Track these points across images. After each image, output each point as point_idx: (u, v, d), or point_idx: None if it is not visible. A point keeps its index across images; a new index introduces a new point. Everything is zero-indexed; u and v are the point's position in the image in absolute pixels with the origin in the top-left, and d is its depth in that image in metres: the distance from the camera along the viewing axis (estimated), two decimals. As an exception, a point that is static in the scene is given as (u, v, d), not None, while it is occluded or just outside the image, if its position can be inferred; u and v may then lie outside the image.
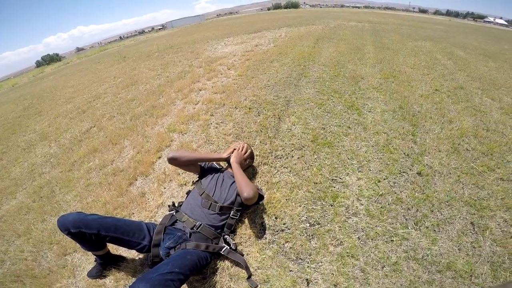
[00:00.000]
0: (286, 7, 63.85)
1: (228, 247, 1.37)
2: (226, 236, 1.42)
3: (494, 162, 1.94)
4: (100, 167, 2.56)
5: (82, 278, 1.59)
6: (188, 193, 1.67)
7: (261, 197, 1.51)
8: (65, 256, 1.79)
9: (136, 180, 2.24)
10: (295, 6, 63.50)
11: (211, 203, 1.45)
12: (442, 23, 17.68)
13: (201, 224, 1.38)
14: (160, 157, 2.45)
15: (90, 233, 1.22)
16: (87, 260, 1.69)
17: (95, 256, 1.47)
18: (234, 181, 1.56)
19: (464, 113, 2.66)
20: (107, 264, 1.49)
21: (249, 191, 1.34)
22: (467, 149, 2.10)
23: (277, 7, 73.38)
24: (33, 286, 1.66)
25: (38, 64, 51.83)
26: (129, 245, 1.33)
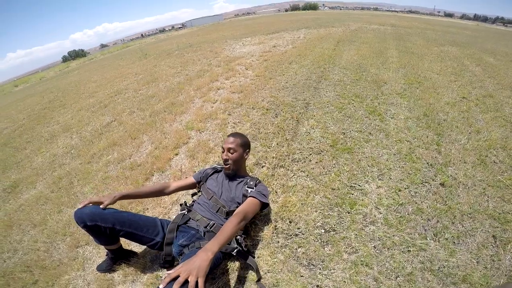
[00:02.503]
0: (304, 8, 63.34)
1: (240, 248, 1.36)
2: (238, 237, 1.40)
3: None
4: (118, 160, 2.63)
5: (91, 271, 1.61)
6: (193, 195, 1.67)
7: (265, 205, 1.45)
8: (77, 248, 1.84)
9: (153, 175, 2.29)
10: (314, 7, 62.81)
11: (220, 207, 1.44)
12: (469, 28, 16.86)
13: (214, 223, 1.37)
14: (177, 154, 2.49)
15: (106, 226, 1.24)
16: (98, 253, 1.72)
17: (106, 250, 1.48)
18: (240, 181, 1.54)
19: (492, 123, 2.52)
20: (118, 258, 1.50)
21: (238, 230, 1.23)
22: (494, 162, 1.99)
23: (295, 8, 72.95)
24: (42, 277, 1.69)
25: (64, 59, 54.14)
26: (142, 241, 1.35)
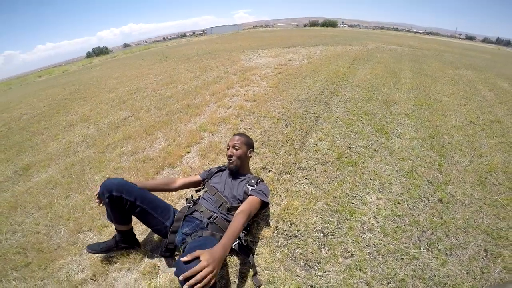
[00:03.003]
0: (323, 25, 63.97)
1: (240, 242, 1.41)
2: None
3: None
4: (131, 153, 2.77)
5: (88, 257, 1.62)
6: (198, 190, 1.78)
7: (265, 204, 1.49)
8: (78, 233, 1.86)
9: (163, 170, 2.41)
10: (333, 25, 63.43)
11: (222, 203, 1.51)
12: (490, 52, 16.63)
13: (217, 216, 1.44)
14: (189, 152, 2.63)
15: (128, 199, 1.31)
16: (100, 239, 1.74)
17: (116, 231, 1.49)
18: (242, 180, 1.60)
19: (496, 148, 2.55)
20: (124, 242, 1.51)
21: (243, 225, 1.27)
22: (493, 183, 2.04)
23: (313, 24, 73.81)
24: (35, 260, 1.69)
25: (88, 55, 56.09)
26: (152, 222, 1.41)
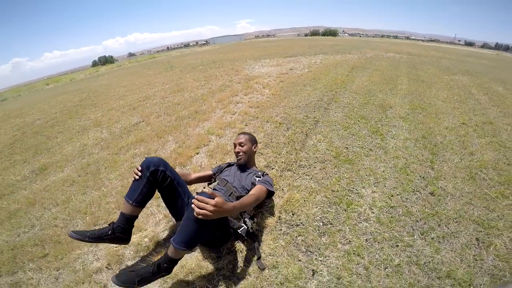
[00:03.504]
0: (324, 34, 64.89)
1: (246, 227, 1.54)
2: (246, 219, 1.58)
3: (509, 191, 1.98)
4: (144, 154, 2.95)
5: (104, 247, 1.71)
6: (209, 184, 1.91)
7: (271, 193, 1.65)
8: (95, 226, 1.95)
9: (175, 167, 2.58)
10: (334, 34, 64.37)
11: (232, 192, 1.66)
12: (488, 57, 16.81)
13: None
14: (198, 153, 2.82)
15: (169, 176, 1.47)
16: None
17: (121, 216, 1.45)
18: (249, 173, 1.79)
19: (487, 147, 2.69)
20: (121, 231, 1.44)
21: (253, 205, 1.50)
22: (483, 178, 2.17)
23: (314, 33, 74.91)
24: (52, 251, 1.78)
25: (94, 64, 56.98)
26: (175, 203, 1.53)
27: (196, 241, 1.23)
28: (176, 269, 1.39)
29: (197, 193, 1.14)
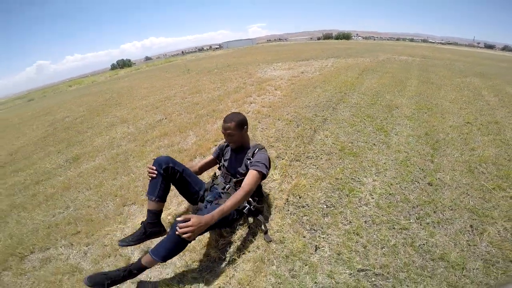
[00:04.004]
0: (337, 37, 64.39)
1: (250, 207, 1.70)
2: (250, 199, 1.71)
3: (507, 184, 2.07)
4: (168, 146, 3.31)
5: (131, 225, 1.90)
6: (219, 168, 2.04)
7: (264, 175, 1.65)
8: (124, 206, 2.17)
9: (196, 158, 2.90)
10: (347, 37, 63.77)
11: (230, 178, 1.80)
12: (509, 60, 15.96)
13: (229, 187, 1.75)
14: (216, 145, 3.09)
15: (178, 170, 1.64)
16: (141, 211, 2.07)
17: (147, 213, 1.61)
18: (243, 154, 1.78)
19: (489, 144, 2.77)
20: (152, 226, 1.61)
21: (243, 201, 1.55)
22: (482, 172, 2.26)
23: (327, 37, 74.37)
24: (84, 229, 1.97)
25: (113, 67, 58.68)
26: (188, 191, 1.76)
27: (171, 256, 1.38)
28: (194, 243, 1.60)
29: (175, 220, 1.31)
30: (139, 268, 1.39)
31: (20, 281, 1.69)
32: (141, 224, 1.63)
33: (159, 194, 1.60)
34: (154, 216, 1.62)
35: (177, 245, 1.33)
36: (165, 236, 1.42)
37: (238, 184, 1.71)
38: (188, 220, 1.26)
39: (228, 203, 1.43)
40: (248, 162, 1.71)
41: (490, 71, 8.22)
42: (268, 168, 1.69)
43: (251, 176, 1.58)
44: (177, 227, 1.25)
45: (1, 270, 1.80)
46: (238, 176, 1.78)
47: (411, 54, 12.36)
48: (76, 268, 1.69)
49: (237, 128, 1.72)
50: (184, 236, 1.23)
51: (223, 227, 1.74)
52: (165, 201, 1.68)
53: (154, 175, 1.59)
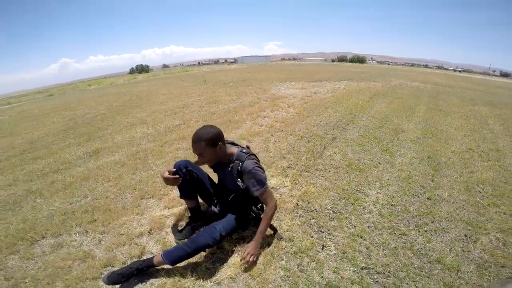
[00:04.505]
0: (351, 60, 65.35)
1: (254, 215, 1.81)
2: (253, 208, 1.81)
3: (501, 202, 2.26)
4: (186, 148, 3.51)
5: (148, 216, 1.97)
6: None
7: (263, 190, 1.66)
8: (142, 199, 2.25)
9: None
10: (361, 60, 64.64)
11: (227, 191, 1.82)
12: None
13: (233, 195, 1.79)
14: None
15: (194, 172, 1.75)
16: (159, 205, 2.17)
17: (189, 211, 1.89)
18: (229, 169, 1.66)
19: (488, 168, 2.92)
20: (196, 219, 1.85)
21: (273, 215, 1.69)
22: (478, 191, 2.45)
23: (342, 59, 75.56)
24: (101, 217, 2.00)
25: (131, 71, 60.14)
26: (204, 191, 1.87)
27: (180, 261, 1.55)
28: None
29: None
30: (149, 266, 1.54)
31: (26, 265, 1.69)
32: (187, 224, 1.89)
33: (189, 195, 1.85)
34: (194, 211, 1.89)
35: (188, 255, 1.53)
36: (180, 243, 1.69)
37: (237, 197, 1.76)
38: (249, 248, 1.57)
39: (264, 224, 1.63)
40: (241, 184, 1.65)
41: (500, 100, 8.32)
42: (264, 177, 1.62)
43: (263, 198, 1.64)
44: (243, 256, 1.55)
45: (8, 254, 1.79)
46: (234, 191, 1.76)
47: (423, 81, 12.61)
48: (88, 254, 1.73)
49: (207, 147, 1.50)
50: (250, 260, 1.54)
51: (238, 228, 1.86)
52: (197, 198, 1.90)
53: (181, 180, 1.69)
